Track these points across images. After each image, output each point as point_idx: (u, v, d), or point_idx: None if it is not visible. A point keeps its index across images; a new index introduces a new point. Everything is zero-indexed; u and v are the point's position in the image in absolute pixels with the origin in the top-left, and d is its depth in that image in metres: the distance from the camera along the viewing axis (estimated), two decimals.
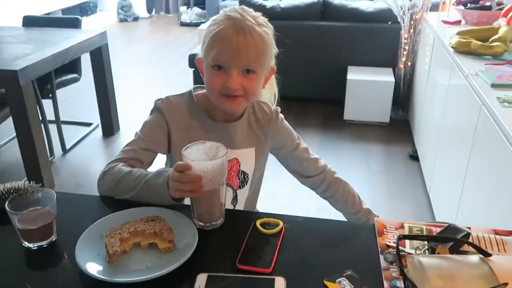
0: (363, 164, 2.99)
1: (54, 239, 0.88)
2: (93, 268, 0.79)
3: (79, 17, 3.42)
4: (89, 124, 3.53)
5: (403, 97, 3.56)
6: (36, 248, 0.87)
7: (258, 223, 0.91)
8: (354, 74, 3.53)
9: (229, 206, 1.15)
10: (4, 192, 0.95)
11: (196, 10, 7.04)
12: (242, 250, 0.84)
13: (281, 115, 1.24)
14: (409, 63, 3.47)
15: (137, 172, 1.00)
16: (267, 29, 1.04)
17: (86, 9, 6.54)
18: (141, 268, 0.81)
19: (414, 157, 3.02)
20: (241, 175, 1.17)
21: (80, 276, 0.80)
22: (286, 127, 1.24)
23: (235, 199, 1.20)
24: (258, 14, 1.06)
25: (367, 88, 3.47)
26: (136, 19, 7.36)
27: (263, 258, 0.82)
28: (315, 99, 3.89)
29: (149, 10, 7.52)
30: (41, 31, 3.12)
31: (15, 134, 2.91)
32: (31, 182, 1.00)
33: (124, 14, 7.28)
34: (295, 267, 0.82)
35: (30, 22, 3.37)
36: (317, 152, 3.35)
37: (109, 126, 3.41)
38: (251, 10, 1.06)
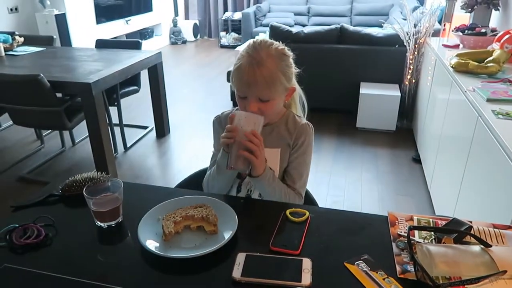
0: (372, 165, 2.93)
1: (120, 220, 0.89)
2: (151, 245, 0.80)
3: (140, 40, 3.47)
4: (145, 127, 3.56)
5: (407, 109, 3.46)
6: (106, 227, 0.88)
7: (287, 212, 0.90)
8: (366, 89, 3.45)
9: (256, 197, 1.14)
10: (81, 181, 0.97)
11: (233, 35, 7.04)
12: (274, 235, 0.83)
13: (310, 129, 1.17)
14: (413, 80, 3.38)
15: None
16: (278, 59, 1.03)
17: (145, 34, 6.63)
18: (190, 246, 0.80)
19: (417, 160, 2.93)
20: None
21: (141, 251, 0.80)
22: (305, 139, 1.15)
23: None
24: (277, 46, 1.05)
25: (376, 101, 3.39)
26: (184, 42, 7.41)
27: (292, 242, 0.81)
28: (332, 109, 3.83)
29: (195, 35, 7.57)
30: (109, 52, 3.17)
31: (87, 134, 2.98)
32: (102, 173, 1.01)
33: (175, 38, 7.35)
34: (320, 250, 0.80)
35: (101, 44, 3.43)
36: (334, 154, 3.28)
37: (161, 129, 3.43)
38: (271, 43, 1.05)
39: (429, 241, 0.80)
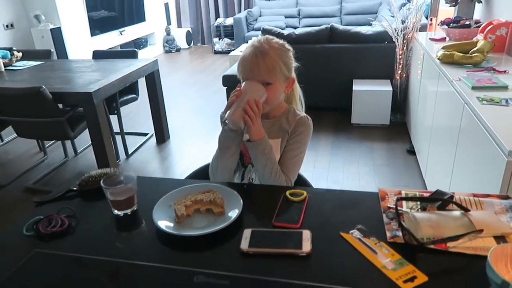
0: (368, 158, 3.02)
1: (135, 208, 0.97)
2: (166, 226, 0.88)
3: (136, 49, 3.57)
4: (145, 134, 3.64)
5: (400, 103, 3.57)
6: (122, 215, 0.96)
7: (287, 193, 0.99)
8: (359, 86, 3.55)
9: (256, 181, 1.24)
10: (96, 176, 1.06)
11: (226, 40, 7.15)
12: (276, 213, 0.92)
13: (308, 122, 1.25)
14: (404, 75, 3.49)
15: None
16: (280, 51, 1.16)
17: (139, 44, 6.72)
18: (201, 226, 0.89)
19: (411, 151, 3.03)
20: None
21: (155, 236, 0.88)
22: (302, 130, 1.24)
23: None
24: (278, 41, 1.18)
25: (369, 96, 3.49)
26: (178, 50, 7.51)
27: (293, 218, 0.90)
28: (327, 107, 3.92)
29: (189, 43, 7.68)
30: (106, 62, 3.25)
31: (89, 144, 3.06)
32: (115, 169, 1.10)
33: (169, 47, 7.46)
34: (318, 223, 0.89)
35: (98, 55, 3.52)
36: (331, 151, 3.37)
37: (161, 135, 3.51)
38: (273, 38, 1.18)
39: (416, 210, 0.89)
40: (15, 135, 3.48)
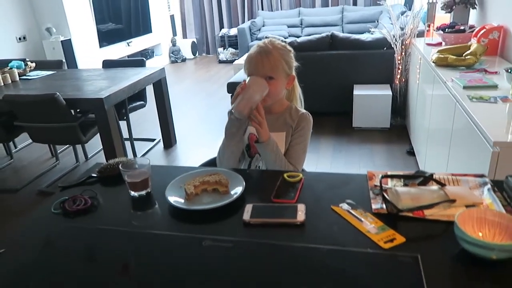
0: (369, 160, 3.12)
1: (149, 190, 1.10)
2: (178, 203, 1.00)
3: (144, 58, 3.72)
4: (153, 140, 3.77)
5: (400, 106, 3.68)
6: (138, 196, 1.08)
7: (285, 175, 1.11)
8: (359, 91, 3.67)
9: (263, 168, 1.37)
10: (114, 164, 1.18)
11: (231, 50, 7.33)
12: (275, 191, 1.04)
13: (309, 117, 1.41)
14: (403, 79, 3.61)
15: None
16: (282, 51, 1.32)
17: (146, 54, 6.92)
18: (208, 202, 1.01)
19: (411, 152, 3.12)
20: None
21: (167, 215, 1.00)
22: (305, 125, 1.39)
23: None
24: (280, 42, 1.34)
25: (370, 101, 3.61)
26: (184, 60, 7.69)
27: (289, 195, 1.02)
28: (329, 112, 4.03)
29: (194, 53, 7.86)
30: (116, 70, 3.40)
31: (100, 149, 3.20)
32: (129, 158, 1.22)
33: (175, 57, 7.65)
34: (311, 199, 1.01)
35: (107, 64, 3.69)
36: (332, 154, 3.49)
37: (168, 140, 3.64)
38: (276, 40, 1.34)
39: (399, 187, 1.00)
40: (28, 142, 3.65)
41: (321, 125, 3.84)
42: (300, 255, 0.82)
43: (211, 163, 1.47)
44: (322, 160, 3.16)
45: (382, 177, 1.00)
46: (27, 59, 3.61)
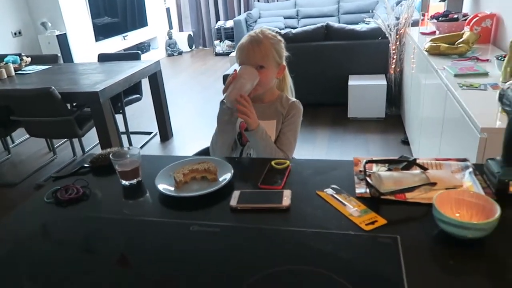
0: (364, 150, 3.14)
1: (140, 179, 1.12)
2: (167, 190, 1.03)
3: (139, 52, 3.73)
4: (149, 133, 3.79)
5: (395, 96, 3.70)
6: (129, 185, 1.10)
7: (272, 162, 1.13)
8: (354, 81, 3.68)
9: (254, 156, 1.39)
10: (106, 154, 1.20)
11: (227, 42, 7.32)
12: (262, 178, 1.06)
13: (299, 106, 1.43)
14: (398, 69, 3.62)
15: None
16: (273, 40, 1.34)
17: (142, 48, 6.91)
18: (197, 189, 1.04)
19: (405, 142, 3.15)
20: None
21: (157, 203, 1.02)
22: (295, 113, 1.41)
23: None
24: (271, 32, 1.36)
25: (365, 91, 3.62)
26: (180, 53, 7.69)
27: (276, 181, 1.04)
28: (324, 103, 4.05)
29: (190, 46, 7.85)
30: (111, 64, 3.41)
31: (97, 143, 3.21)
32: (121, 148, 1.24)
33: (171, 50, 7.65)
34: (297, 185, 1.03)
35: (103, 58, 3.69)
36: (328, 143, 3.51)
37: (165, 133, 3.66)
38: (267, 30, 1.37)
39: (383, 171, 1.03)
40: (25, 137, 3.67)
41: (317, 115, 3.86)
42: (285, 238, 0.84)
43: (205, 152, 1.49)
44: (317, 150, 3.19)
45: (366, 162, 1.02)
46: (23, 54, 3.62)
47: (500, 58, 1.94)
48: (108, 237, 0.91)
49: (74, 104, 3.10)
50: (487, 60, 2.20)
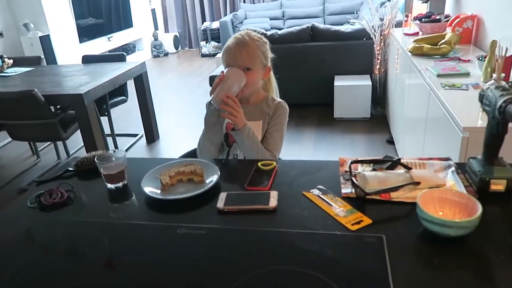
0: (350, 150, 3.17)
1: (126, 182, 1.11)
2: (153, 193, 1.02)
3: (124, 53, 3.70)
4: (135, 135, 3.75)
5: (380, 96, 3.74)
6: (114, 188, 1.09)
7: (259, 164, 1.13)
8: (340, 82, 3.71)
9: (241, 157, 1.40)
10: (91, 158, 1.19)
11: (213, 43, 7.30)
12: (249, 179, 1.06)
13: (285, 106, 1.44)
14: (382, 70, 3.66)
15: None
16: (258, 42, 1.35)
17: (127, 49, 6.85)
18: (183, 191, 1.03)
19: (391, 141, 3.19)
20: None
21: (143, 206, 1.01)
22: (281, 113, 1.42)
23: None
24: (257, 34, 1.37)
25: (350, 91, 3.66)
26: (166, 54, 7.64)
27: (263, 182, 1.04)
28: (310, 104, 4.07)
29: (176, 47, 7.81)
30: (96, 66, 3.37)
31: (81, 145, 3.16)
32: (106, 151, 1.23)
33: (157, 51, 7.59)
34: (284, 186, 1.03)
35: (87, 60, 3.64)
36: (314, 144, 3.52)
37: (151, 135, 3.64)
38: (252, 31, 1.37)
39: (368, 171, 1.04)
40: (8, 140, 3.60)
41: (303, 116, 3.88)
42: (272, 239, 0.85)
43: (191, 154, 1.49)
44: (304, 151, 3.20)
45: (352, 162, 1.03)
46: (5, 56, 3.55)
47: (481, 58, 1.99)
48: (93, 241, 0.90)
49: (58, 106, 3.05)
50: (469, 60, 2.24)
